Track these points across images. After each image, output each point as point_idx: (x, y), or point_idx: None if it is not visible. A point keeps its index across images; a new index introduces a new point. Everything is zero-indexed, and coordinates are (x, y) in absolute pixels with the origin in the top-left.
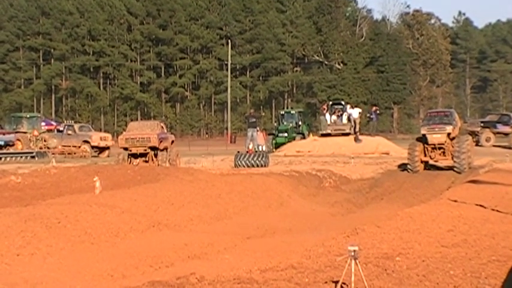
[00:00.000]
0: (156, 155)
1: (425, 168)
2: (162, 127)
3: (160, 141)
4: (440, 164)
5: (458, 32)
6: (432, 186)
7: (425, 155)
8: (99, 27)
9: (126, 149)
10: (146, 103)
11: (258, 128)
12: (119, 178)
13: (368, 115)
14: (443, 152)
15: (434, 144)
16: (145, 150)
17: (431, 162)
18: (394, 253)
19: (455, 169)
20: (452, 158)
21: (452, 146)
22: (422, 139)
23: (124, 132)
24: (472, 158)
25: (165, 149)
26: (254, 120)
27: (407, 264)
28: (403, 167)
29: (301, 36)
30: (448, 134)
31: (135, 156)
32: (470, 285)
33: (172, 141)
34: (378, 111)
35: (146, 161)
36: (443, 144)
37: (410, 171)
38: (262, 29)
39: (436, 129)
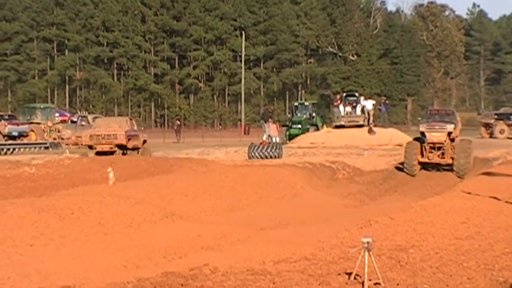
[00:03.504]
0: (124, 154)
1: (422, 169)
2: (133, 124)
3: (129, 139)
4: (440, 161)
5: (473, 23)
6: (446, 178)
7: (422, 156)
8: (113, 18)
9: (91, 147)
10: (160, 94)
11: (270, 120)
12: (133, 169)
13: (378, 107)
14: (443, 153)
15: (433, 143)
16: (112, 148)
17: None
18: (407, 245)
19: (454, 172)
20: (452, 160)
21: (453, 148)
22: (421, 138)
23: (89, 129)
24: (472, 162)
25: (136, 148)
26: (270, 112)
27: (420, 256)
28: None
29: (315, 27)
30: (449, 134)
31: (101, 155)
32: (484, 278)
33: (145, 141)
34: (387, 103)
35: None
36: (443, 143)
37: (406, 173)
38: (276, 21)
39: (437, 127)
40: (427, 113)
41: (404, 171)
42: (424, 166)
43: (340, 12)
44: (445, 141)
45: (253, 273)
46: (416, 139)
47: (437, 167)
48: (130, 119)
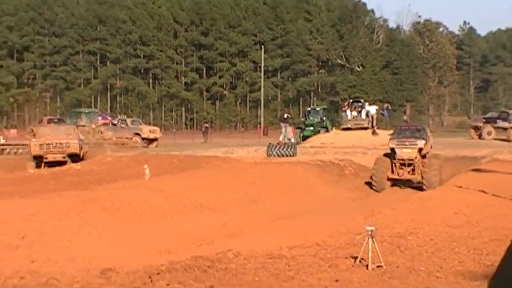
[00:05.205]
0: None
1: (393, 185)
2: (78, 133)
3: (81, 148)
4: (410, 178)
5: (464, 39)
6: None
7: (392, 172)
8: (149, 34)
9: (39, 157)
10: (190, 100)
11: (289, 123)
12: (166, 166)
13: (381, 112)
14: (413, 169)
15: (403, 160)
16: (64, 158)
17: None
18: (406, 232)
19: (424, 187)
20: (422, 176)
21: (423, 164)
22: (391, 154)
23: (34, 139)
24: (441, 177)
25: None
26: (287, 117)
27: (417, 243)
28: None
29: (325, 42)
30: (420, 150)
31: (50, 165)
32: (473, 261)
33: (86, 152)
34: (389, 108)
35: None
36: (413, 160)
37: (375, 189)
38: (291, 36)
39: (407, 143)
40: (398, 128)
41: (373, 188)
42: (394, 183)
43: (348, 28)
44: (416, 157)
45: (271, 257)
46: (386, 155)
47: (407, 183)
48: (76, 127)
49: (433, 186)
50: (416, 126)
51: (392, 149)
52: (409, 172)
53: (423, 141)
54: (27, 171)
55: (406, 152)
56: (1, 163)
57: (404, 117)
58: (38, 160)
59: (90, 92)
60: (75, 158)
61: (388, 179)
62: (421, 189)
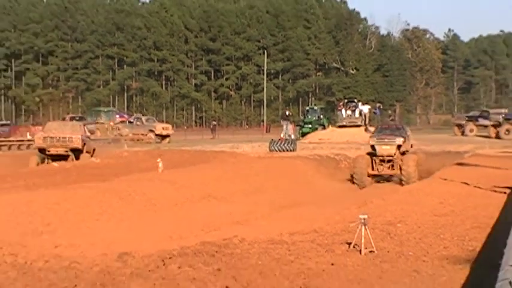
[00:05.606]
0: (77, 159)
1: (377, 182)
2: (85, 130)
3: (84, 144)
4: (389, 173)
5: (448, 44)
6: (426, 167)
7: (372, 169)
8: (162, 40)
9: (43, 151)
10: (199, 100)
11: (289, 121)
12: (177, 160)
13: (373, 111)
14: (392, 166)
15: (383, 156)
16: (67, 151)
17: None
18: (395, 220)
19: (403, 182)
20: (401, 171)
21: (401, 161)
22: (371, 151)
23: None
24: (417, 173)
25: (89, 154)
26: (288, 115)
27: (406, 230)
28: None
29: (322, 47)
30: (398, 147)
31: (53, 158)
32: (457, 247)
33: (94, 149)
34: (381, 107)
35: None
36: (392, 156)
37: (358, 186)
38: (291, 42)
39: (386, 140)
40: (378, 127)
41: (355, 183)
42: (375, 179)
43: (343, 35)
44: (395, 154)
45: (273, 243)
46: (369, 154)
47: (387, 178)
48: (84, 125)
49: (411, 181)
50: (396, 125)
51: (373, 146)
52: (388, 168)
53: (402, 139)
54: (31, 165)
55: (385, 149)
56: (28, 157)
57: (390, 115)
58: (42, 154)
59: (108, 92)
60: (77, 153)
61: (369, 175)
62: (400, 183)
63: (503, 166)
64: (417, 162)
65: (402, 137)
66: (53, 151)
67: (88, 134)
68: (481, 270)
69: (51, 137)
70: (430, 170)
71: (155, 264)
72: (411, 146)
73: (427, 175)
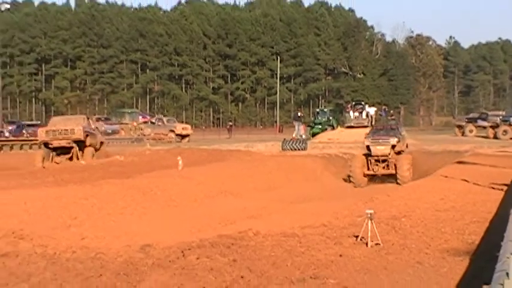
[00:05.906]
0: (81, 151)
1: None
2: (90, 123)
3: (87, 135)
4: (384, 172)
5: (449, 51)
6: (428, 165)
7: (368, 169)
8: (182, 46)
9: (47, 145)
10: (217, 102)
11: (301, 122)
12: (196, 158)
13: (379, 113)
14: (387, 165)
15: (377, 156)
16: (69, 143)
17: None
18: (400, 215)
19: (398, 181)
20: (396, 171)
21: (396, 160)
22: (367, 152)
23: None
24: (411, 172)
25: (93, 147)
26: (300, 116)
27: (410, 224)
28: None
29: (332, 53)
30: (393, 146)
31: (57, 151)
32: (457, 240)
33: (102, 143)
34: (386, 110)
35: (70, 158)
36: (387, 156)
37: (354, 185)
38: (303, 48)
39: (380, 141)
40: (373, 129)
41: (352, 182)
42: (371, 178)
43: (351, 41)
44: (389, 153)
45: (285, 236)
46: (364, 154)
47: (383, 178)
48: (88, 118)
49: (406, 180)
50: (391, 126)
51: (368, 147)
52: (383, 168)
53: (396, 139)
54: (36, 162)
55: (379, 149)
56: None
57: (391, 114)
58: (47, 148)
59: (132, 95)
60: (80, 144)
61: (365, 175)
62: (395, 182)
63: (500, 165)
64: (412, 161)
65: (396, 137)
66: (55, 144)
67: (92, 126)
68: (479, 262)
69: (53, 130)
70: (429, 170)
71: (175, 255)
72: (406, 146)
73: (424, 174)
